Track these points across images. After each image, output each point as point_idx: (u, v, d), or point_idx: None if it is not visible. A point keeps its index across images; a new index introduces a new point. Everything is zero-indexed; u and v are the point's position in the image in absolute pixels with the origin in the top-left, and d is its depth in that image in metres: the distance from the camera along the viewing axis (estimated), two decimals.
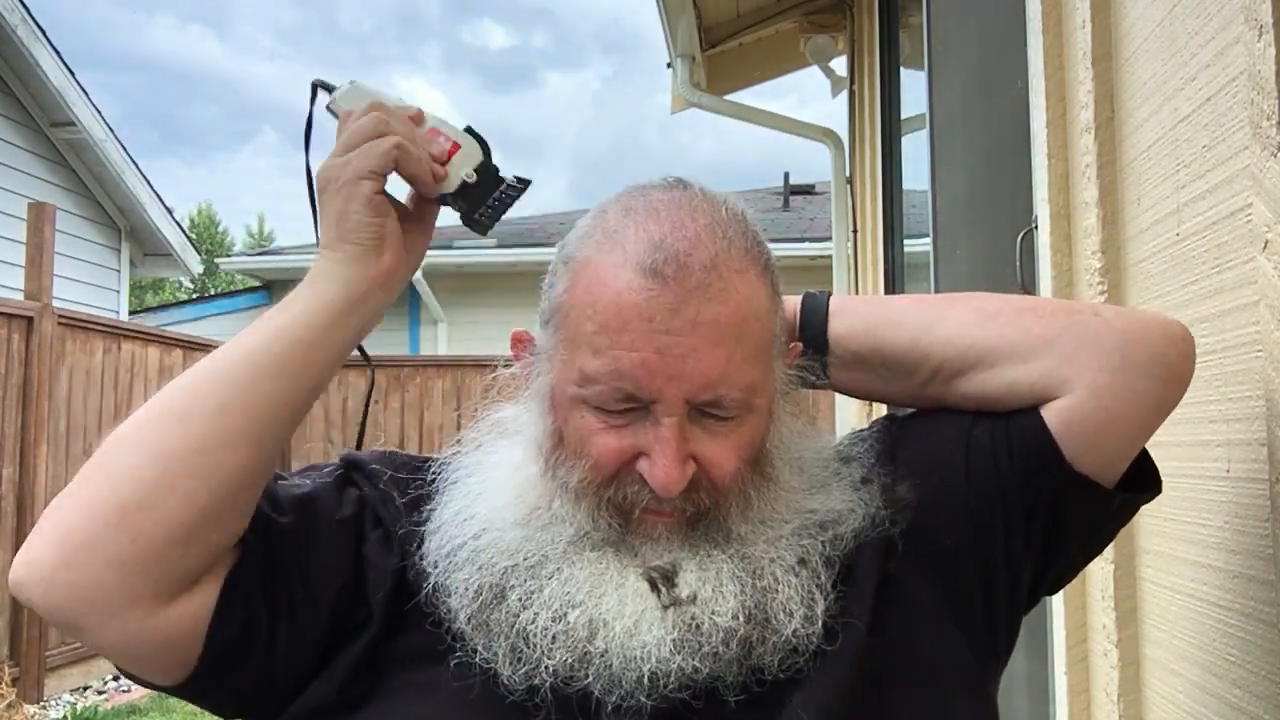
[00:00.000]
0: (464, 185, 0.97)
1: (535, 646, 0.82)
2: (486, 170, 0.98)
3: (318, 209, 0.93)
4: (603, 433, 0.84)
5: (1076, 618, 1.50)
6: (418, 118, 0.96)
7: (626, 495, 0.85)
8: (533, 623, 0.83)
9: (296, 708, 0.88)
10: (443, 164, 0.96)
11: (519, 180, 1.01)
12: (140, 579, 0.81)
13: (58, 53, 8.34)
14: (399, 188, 0.97)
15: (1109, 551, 1.35)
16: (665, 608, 0.83)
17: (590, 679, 0.81)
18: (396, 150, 0.91)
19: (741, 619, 0.82)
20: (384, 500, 0.95)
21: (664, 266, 0.81)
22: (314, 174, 0.95)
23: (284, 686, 0.88)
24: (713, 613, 0.83)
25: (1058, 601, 1.54)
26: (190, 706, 5.63)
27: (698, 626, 0.82)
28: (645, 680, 0.80)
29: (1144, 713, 1.31)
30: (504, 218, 1.02)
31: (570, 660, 0.82)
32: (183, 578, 0.83)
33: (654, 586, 0.84)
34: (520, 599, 0.85)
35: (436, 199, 0.97)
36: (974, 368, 0.93)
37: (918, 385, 0.97)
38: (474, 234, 1.01)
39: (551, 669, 0.82)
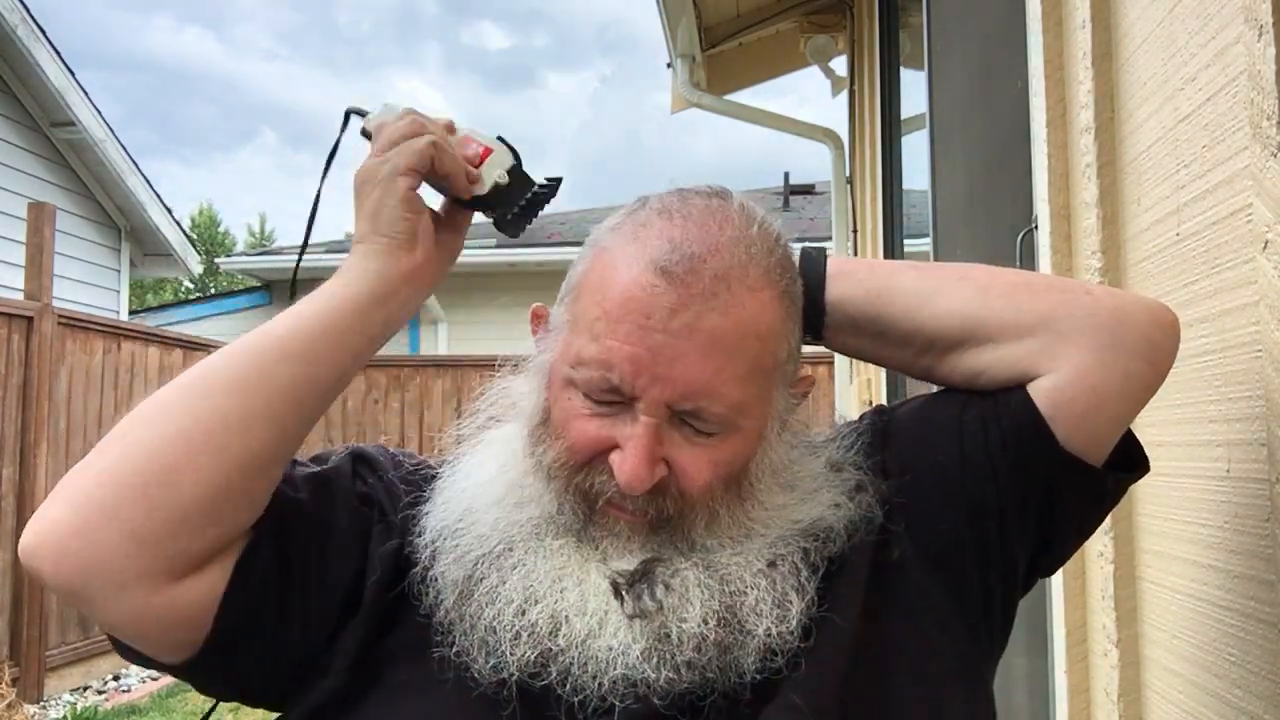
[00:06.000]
0: (496, 188, 0.99)
1: (501, 641, 0.83)
2: (518, 173, 1.00)
3: (355, 206, 0.94)
4: (585, 418, 0.85)
5: (1076, 618, 1.50)
6: (450, 127, 0.99)
7: (594, 484, 0.85)
8: (497, 618, 0.84)
9: (301, 706, 0.88)
10: (475, 166, 0.98)
11: (549, 180, 1.02)
12: (154, 553, 0.79)
13: (58, 53, 8.34)
14: (432, 199, 0.98)
15: (1109, 551, 1.35)
16: (631, 617, 0.82)
17: (554, 676, 0.82)
18: (433, 149, 0.93)
19: (712, 623, 0.82)
20: (388, 492, 0.96)
21: (674, 266, 0.81)
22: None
23: (288, 672, 0.89)
24: (680, 620, 0.82)
25: (1058, 601, 1.54)
26: (190, 707, 5.65)
27: (666, 635, 0.82)
28: (619, 685, 0.80)
29: (1144, 713, 1.31)
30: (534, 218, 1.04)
31: (533, 656, 0.82)
32: (196, 555, 0.82)
33: (618, 594, 0.84)
34: (486, 593, 0.86)
35: (470, 200, 0.99)
36: (967, 343, 0.94)
37: (911, 355, 0.98)
38: (505, 235, 1.03)
39: (516, 664, 0.82)
